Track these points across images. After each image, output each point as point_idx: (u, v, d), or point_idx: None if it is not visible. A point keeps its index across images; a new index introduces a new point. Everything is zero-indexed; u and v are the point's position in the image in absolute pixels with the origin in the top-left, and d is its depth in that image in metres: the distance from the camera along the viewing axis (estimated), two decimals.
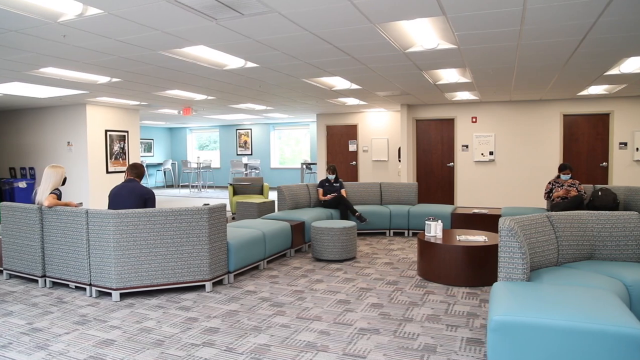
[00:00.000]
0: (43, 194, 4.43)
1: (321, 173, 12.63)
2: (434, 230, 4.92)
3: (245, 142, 16.08)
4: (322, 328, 3.40)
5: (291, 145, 16.06)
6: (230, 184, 9.31)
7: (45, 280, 4.47)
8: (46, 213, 4.37)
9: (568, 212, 3.68)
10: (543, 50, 4.95)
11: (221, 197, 13.17)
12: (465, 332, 3.33)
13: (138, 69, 5.72)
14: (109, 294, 4.15)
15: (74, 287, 4.38)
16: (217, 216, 4.38)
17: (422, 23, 4.10)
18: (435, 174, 10.29)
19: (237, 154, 16.09)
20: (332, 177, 7.40)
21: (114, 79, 6.49)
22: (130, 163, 4.74)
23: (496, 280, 4.52)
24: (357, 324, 3.47)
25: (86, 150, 8.80)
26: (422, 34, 4.49)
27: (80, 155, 8.82)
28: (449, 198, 10.11)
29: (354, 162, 12.10)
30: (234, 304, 3.97)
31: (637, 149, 8.50)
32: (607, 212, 3.72)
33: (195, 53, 5.07)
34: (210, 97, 8.61)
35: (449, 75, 6.72)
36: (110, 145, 9.32)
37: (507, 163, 9.52)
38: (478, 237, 4.75)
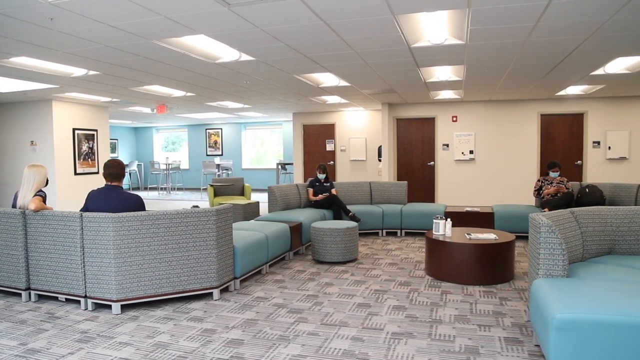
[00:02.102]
0: (26, 197, 3.97)
1: (297, 173, 12.41)
2: (443, 229, 4.84)
3: (216, 142, 15.57)
4: (352, 334, 3.21)
5: (256, 146, 15.68)
6: (211, 185, 8.91)
7: (29, 293, 4.00)
8: (31, 218, 3.91)
9: (589, 207, 3.69)
10: (545, 49, 4.99)
11: (193, 199, 12.66)
12: (499, 331, 3.24)
13: (123, 60, 5.30)
14: (107, 307, 3.76)
15: (64, 299, 3.94)
16: (224, 218, 4.09)
17: (437, 16, 4.01)
18: (416, 173, 10.33)
19: (207, 155, 15.55)
20: (322, 176, 7.21)
21: (91, 72, 6.00)
22: (106, 162, 4.01)
23: (508, 278, 4.53)
24: (388, 328, 3.31)
25: (52, 150, 8.13)
26: (433, 28, 4.40)
27: (46, 156, 8.14)
28: (429, 197, 10.17)
29: (332, 162, 11.97)
30: (249, 312, 3.70)
31: (609, 147, 8.88)
32: (625, 207, 3.75)
33: (191, 43, 4.74)
34: (189, 94, 8.20)
35: (441, 73, 6.71)
36: (78, 144, 8.67)
37: (486, 162, 9.68)
38: (488, 235, 4.71)
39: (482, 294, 4.11)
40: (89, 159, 8.91)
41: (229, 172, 14.25)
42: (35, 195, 3.96)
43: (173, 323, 3.46)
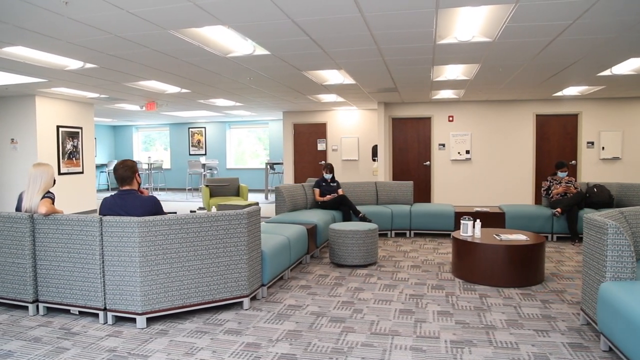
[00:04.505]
0: (32, 199, 3.57)
1: (288, 174, 12.13)
2: (471, 230, 4.72)
3: (199, 142, 15.07)
4: (410, 344, 3.01)
5: (235, 146, 15.25)
6: (206, 186, 8.53)
7: (37, 306, 3.59)
8: (40, 223, 3.51)
9: (637, 207, 3.63)
10: (567, 47, 4.93)
11: (178, 200, 12.18)
12: (558, 336, 3.11)
13: (128, 52, 4.91)
14: (129, 320, 3.41)
15: (77, 312, 3.56)
16: (254, 221, 3.81)
17: (474, 12, 3.87)
18: (411, 173, 10.24)
19: (190, 154, 15.03)
20: (328, 176, 6.98)
21: (88, 65, 5.57)
22: (115, 167, 3.62)
23: (540, 280, 4.43)
24: (444, 336, 3.13)
25: (35, 149, 7.56)
26: (464, 24, 4.27)
27: (28, 155, 7.56)
28: (426, 197, 10.10)
29: (323, 162, 11.75)
30: (287, 322, 3.43)
31: (603, 147, 9.06)
32: None
33: (207, 35, 4.44)
34: (184, 90, 7.80)
35: (451, 72, 6.62)
36: (62, 143, 8.10)
37: (483, 162, 9.70)
38: (518, 236, 4.61)
39: (521, 297, 3.99)
40: (74, 158, 8.36)
41: (214, 172, 13.81)
42: (43, 197, 3.57)
43: (209, 337, 3.16)
